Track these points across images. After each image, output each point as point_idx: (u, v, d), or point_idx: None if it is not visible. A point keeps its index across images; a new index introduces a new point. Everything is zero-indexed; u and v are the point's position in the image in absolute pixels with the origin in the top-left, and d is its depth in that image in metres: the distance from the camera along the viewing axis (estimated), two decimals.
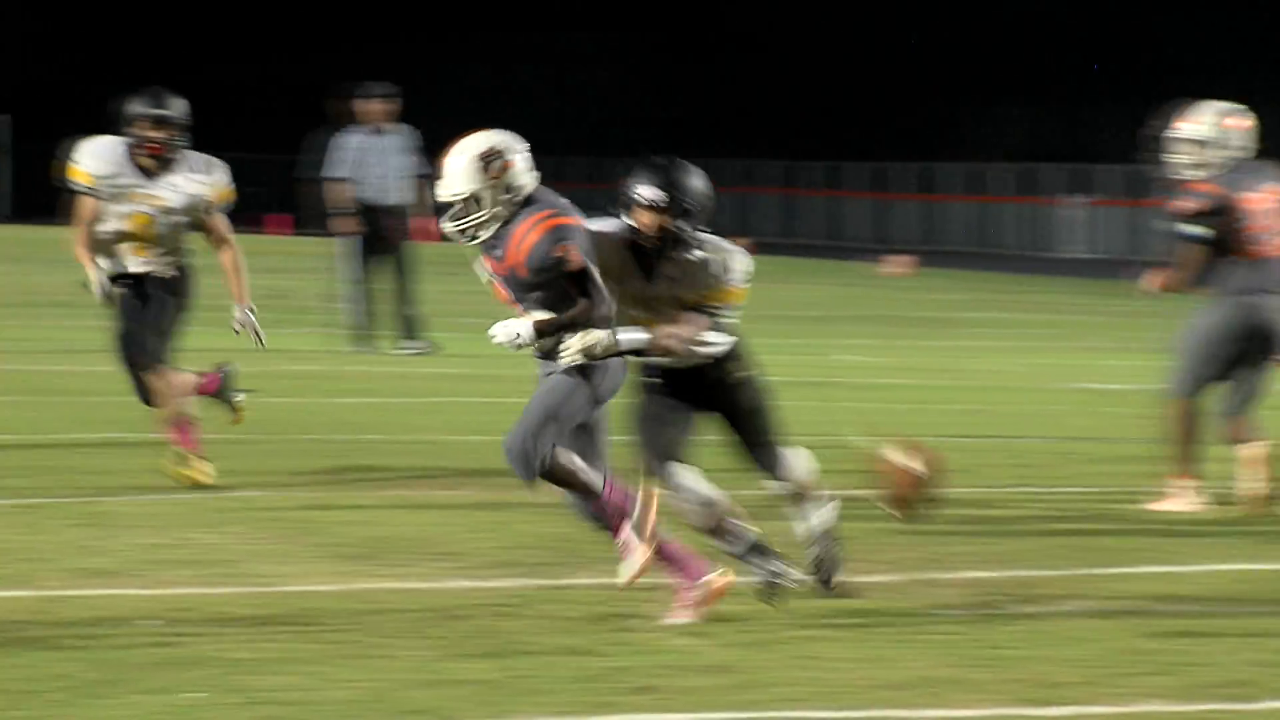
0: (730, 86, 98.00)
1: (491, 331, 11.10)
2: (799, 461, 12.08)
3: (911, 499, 12.82)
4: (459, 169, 11.13)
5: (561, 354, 10.93)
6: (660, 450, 11.54)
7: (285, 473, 17.07)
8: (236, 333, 16.53)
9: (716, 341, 11.57)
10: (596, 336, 10.94)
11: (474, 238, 11.19)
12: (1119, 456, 18.91)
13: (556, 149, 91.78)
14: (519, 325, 11.01)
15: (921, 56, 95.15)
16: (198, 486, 15.61)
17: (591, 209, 11.81)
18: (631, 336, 11.19)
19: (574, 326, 11.08)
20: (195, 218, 15.61)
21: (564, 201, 11.31)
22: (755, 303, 34.74)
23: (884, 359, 29.70)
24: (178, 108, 15.49)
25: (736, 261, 11.67)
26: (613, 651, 10.77)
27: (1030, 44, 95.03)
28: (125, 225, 15.23)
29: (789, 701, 9.79)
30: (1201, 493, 16.38)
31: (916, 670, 10.41)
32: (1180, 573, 13.70)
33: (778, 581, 11.58)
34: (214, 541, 13.79)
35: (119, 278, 15.52)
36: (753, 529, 11.66)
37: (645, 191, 11.29)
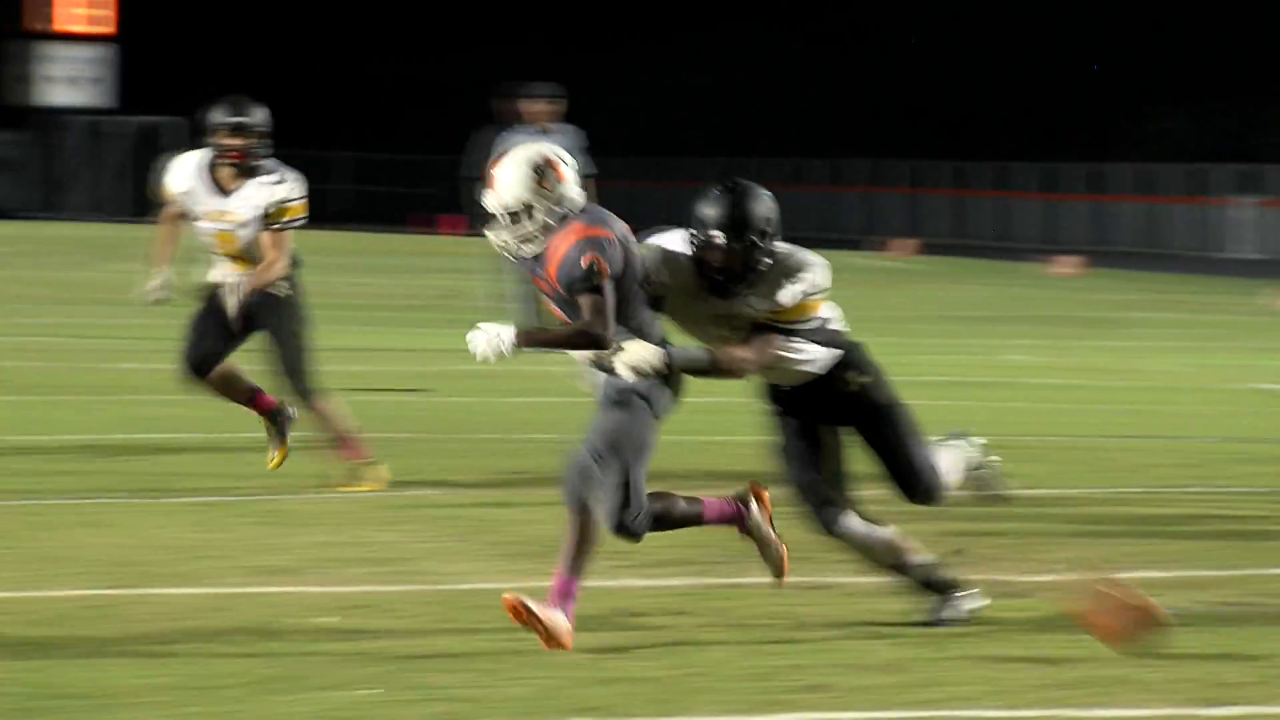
0: (900, 88, 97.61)
1: (469, 338, 10.90)
2: (945, 463, 11.69)
3: (1136, 630, 12.55)
4: (512, 179, 10.97)
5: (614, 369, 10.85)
6: (817, 498, 11.29)
7: (460, 471, 17.08)
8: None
9: (812, 355, 11.23)
10: (642, 353, 10.72)
11: (523, 251, 11.04)
12: None
13: (722, 150, 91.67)
14: (502, 331, 10.84)
15: (1091, 58, 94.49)
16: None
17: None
18: (687, 355, 10.98)
19: (566, 345, 11.09)
20: (274, 224, 15.45)
21: (607, 215, 11.16)
22: (924, 303, 34.85)
23: (1053, 359, 29.60)
24: (257, 115, 15.42)
25: (810, 275, 11.20)
26: (784, 650, 10.75)
27: (1200, 44, 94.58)
28: (213, 243, 15.28)
29: (960, 700, 9.75)
30: None
31: (1087, 670, 10.35)
32: None
33: (949, 617, 11.29)
34: (389, 539, 13.86)
35: (213, 287, 15.51)
36: (928, 558, 11.42)
37: (708, 231, 10.95)
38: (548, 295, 11.05)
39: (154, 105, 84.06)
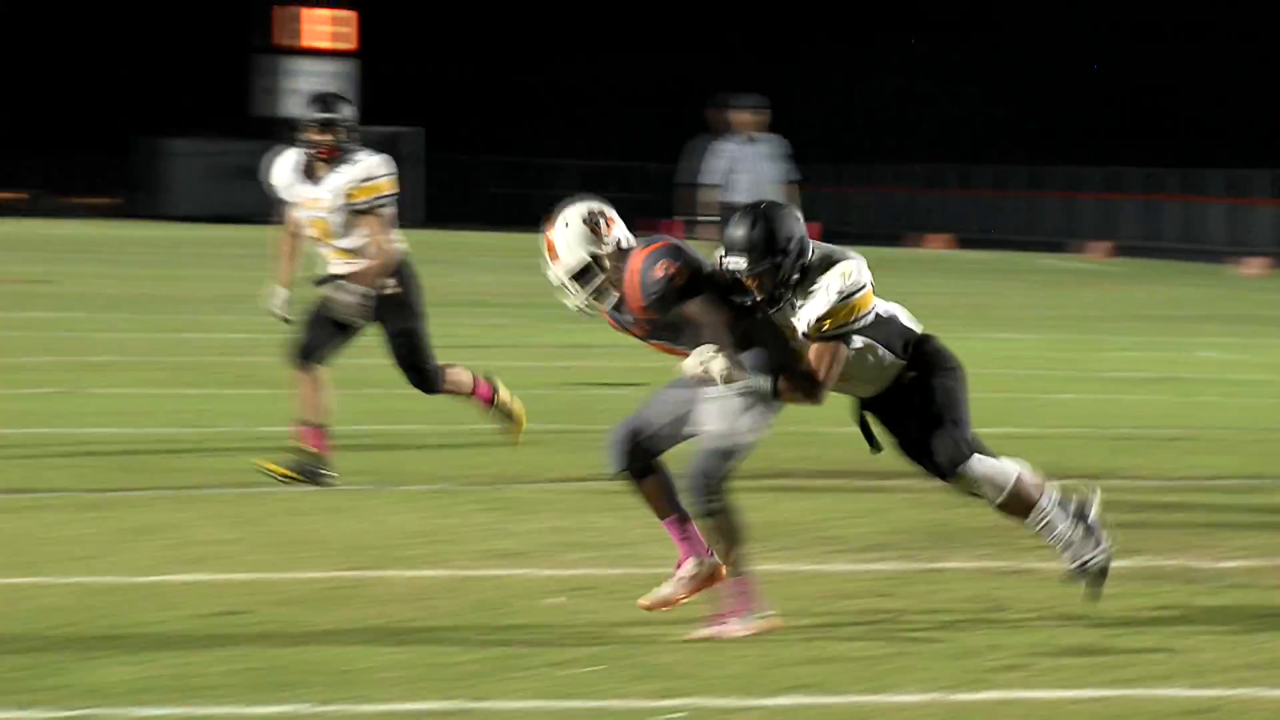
0: (1094, 97, 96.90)
1: (683, 366, 10.66)
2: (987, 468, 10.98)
3: None
4: (571, 239, 10.83)
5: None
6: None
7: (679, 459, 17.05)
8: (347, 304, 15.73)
9: (883, 358, 10.87)
10: (716, 360, 10.50)
11: (603, 304, 10.94)
12: None
13: (917, 157, 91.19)
14: (711, 361, 10.55)
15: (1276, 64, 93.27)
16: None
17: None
18: (753, 380, 10.62)
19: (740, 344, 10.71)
20: (367, 207, 15.45)
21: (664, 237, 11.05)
22: (1119, 304, 34.48)
23: (1242, 356, 29.31)
24: (343, 110, 15.53)
25: (843, 274, 10.78)
26: (984, 631, 10.79)
27: None
28: (311, 231, 15.38)
29: (1154, 680, 9.77)
30: None
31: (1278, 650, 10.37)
32: None
33: (1088, 564, 10.89)
34: (612, 525, 13.86)
35: (326, 280, 15.57)
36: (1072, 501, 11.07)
37: (733, 263, 10.62)
38: (642, 337, 11.09)
39: (392, 116, 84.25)
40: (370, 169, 15.35)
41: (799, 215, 10.77)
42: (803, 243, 10.63)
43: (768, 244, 10.49)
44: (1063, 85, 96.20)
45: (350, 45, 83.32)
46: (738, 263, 10.46)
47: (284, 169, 15.48)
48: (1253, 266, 57.73)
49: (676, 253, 10.63)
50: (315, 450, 15.35)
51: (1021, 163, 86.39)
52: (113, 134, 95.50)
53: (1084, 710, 9.15)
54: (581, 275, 10.76)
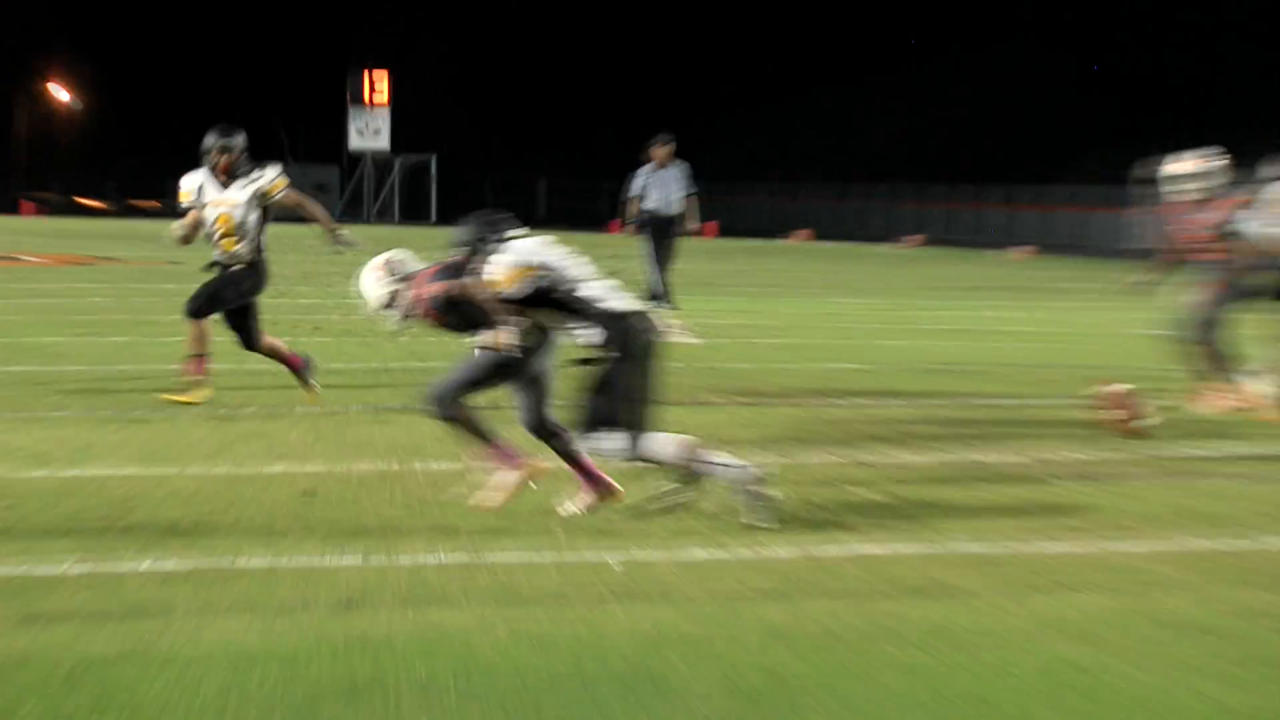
0: (937, 138, 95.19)
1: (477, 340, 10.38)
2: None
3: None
4: (372, 284, 10.77)
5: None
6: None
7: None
8: (340, 253, 16.23)
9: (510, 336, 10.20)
10: (498, 335, 10.24)
11: (411, 315, 10.69)
12: None
13: (798, 177, 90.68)
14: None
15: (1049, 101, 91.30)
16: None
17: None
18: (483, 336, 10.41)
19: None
20: (266, 204, 15.24)
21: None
22: (926, 278, 33.69)
23: (1012, 314, 29.24)
24: (238, 138, 15.22)
25: (513, 251, 10.34)
26: (833, 505, 10.74)
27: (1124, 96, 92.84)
28: (216, 224, 15.06)
29: (947, 538, 9.76)
30: None
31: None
32: None
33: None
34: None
35: (212, 264, 15.36)
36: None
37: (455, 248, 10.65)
38: (442, 327, 10.73)
39: (417, 146, 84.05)
40: (273, 173, 15.28)
41: (494, 221, 10.56)
42: (494, 231, 10.42)
43: (473, 236, 10.37)
44: (913, 127, 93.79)
45: (385, 100, 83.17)
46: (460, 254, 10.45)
47: (195, 178, 15.22)
48: (1020, 254, 58.34)
49: (441, 273, 10.49)
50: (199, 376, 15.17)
51: (874, 180, 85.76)
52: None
53: (903, 558, 9.14)
54: (387, 307, 10.68)
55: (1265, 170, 16.19)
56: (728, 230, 74.63)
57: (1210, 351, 15.93)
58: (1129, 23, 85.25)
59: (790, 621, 7.79)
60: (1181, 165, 16.27)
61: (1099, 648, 7.45)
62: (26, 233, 57.90)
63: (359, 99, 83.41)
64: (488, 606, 7.95)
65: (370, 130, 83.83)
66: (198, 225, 15.23)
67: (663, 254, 26.72)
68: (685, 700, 6.59)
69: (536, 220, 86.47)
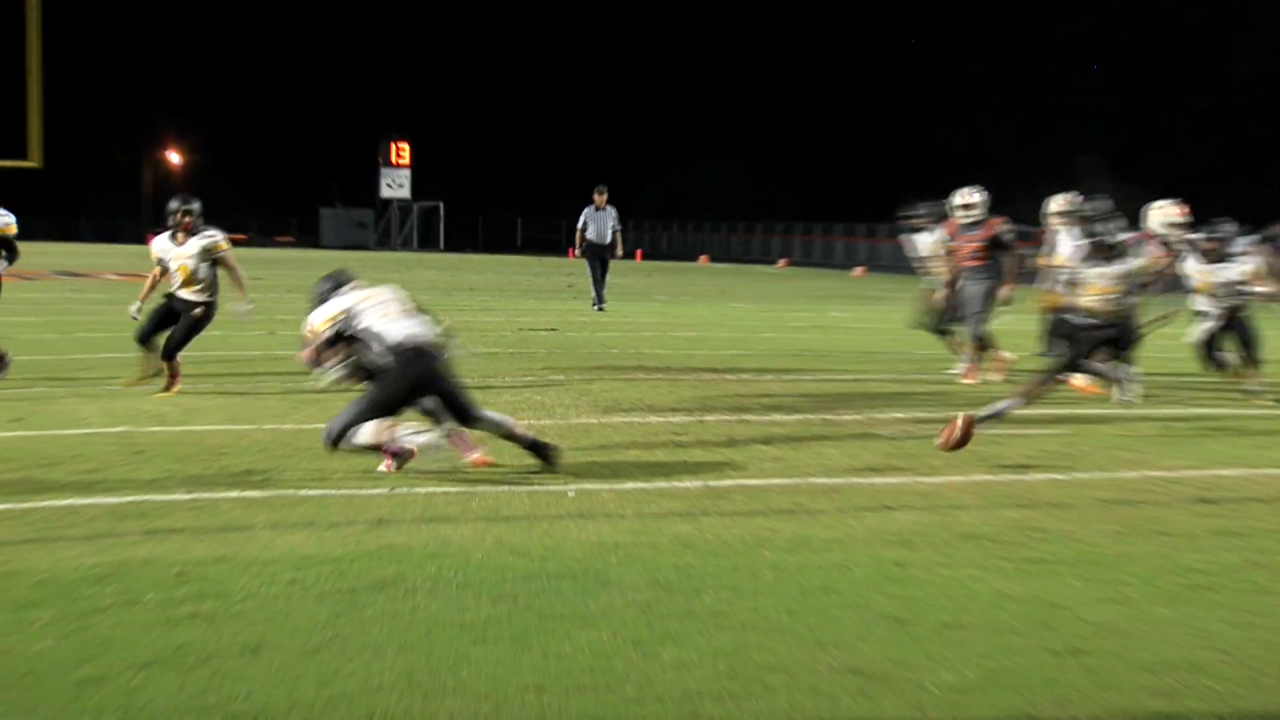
0: (801, 184, 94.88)
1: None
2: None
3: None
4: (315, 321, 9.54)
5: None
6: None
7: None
8: (239, 318, 14.68)
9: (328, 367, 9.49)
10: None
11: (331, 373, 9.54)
12: None
13: (705, 216, 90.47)
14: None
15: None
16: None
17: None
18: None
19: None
20: (210, 258, 14.13)
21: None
22: (791, 289, 33.23)
23: (853, 315, 29.29)
24: (194, 204, 14.29)
25: (328, 306, 9.58)
26: (727, 450, 10.71)
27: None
28: (179, 274, 14.03)
29: (810, 472, 9.77)
30: None
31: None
32: None
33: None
34: (549, 400, 13.80)
35: (171, 296, 14.19)
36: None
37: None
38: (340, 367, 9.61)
39: (429, 195, 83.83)
40: (217, 236, 14.27)
41: (333, 276, 9.83)
42: (324, 294, 9.66)
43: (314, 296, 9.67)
44: (781, 179, 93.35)
45: (407, 162, 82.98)
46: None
47: (161, 241, 14.39)
48: (858, 272, 58.30)
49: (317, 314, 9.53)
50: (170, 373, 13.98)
51: (755, 218, 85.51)
52: (296, 205, 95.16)
53: (775, 488, 9.15)
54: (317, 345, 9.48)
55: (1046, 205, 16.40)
56: (650, 255, 74.69)
57: (980, 336, 16.11)
58: (929, 106, 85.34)
59: (694, 533, 7.81)
60: (965, 196, 16.54)
61: (913, 550, 7.48)
62: (149, 257, 57.62)
63: (388, 161, 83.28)
64: (479, 524, 7.95)
65: (396, 184, 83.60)
66: (154, 285, 14.40)
67: (600, 271, 27.70)
68: (619, 589, 6.61)
69: (515, 248, 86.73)
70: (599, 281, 27.89)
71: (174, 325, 14.09)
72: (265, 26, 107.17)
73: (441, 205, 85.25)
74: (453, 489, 8.96)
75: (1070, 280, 12.35)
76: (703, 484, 9.28)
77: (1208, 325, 14.54)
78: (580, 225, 27.83)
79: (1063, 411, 13.53)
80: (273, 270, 45.46)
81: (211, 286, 14.27)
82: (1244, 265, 14.29)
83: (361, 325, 9.39)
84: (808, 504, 8.69)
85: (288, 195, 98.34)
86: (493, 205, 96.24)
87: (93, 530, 7.68)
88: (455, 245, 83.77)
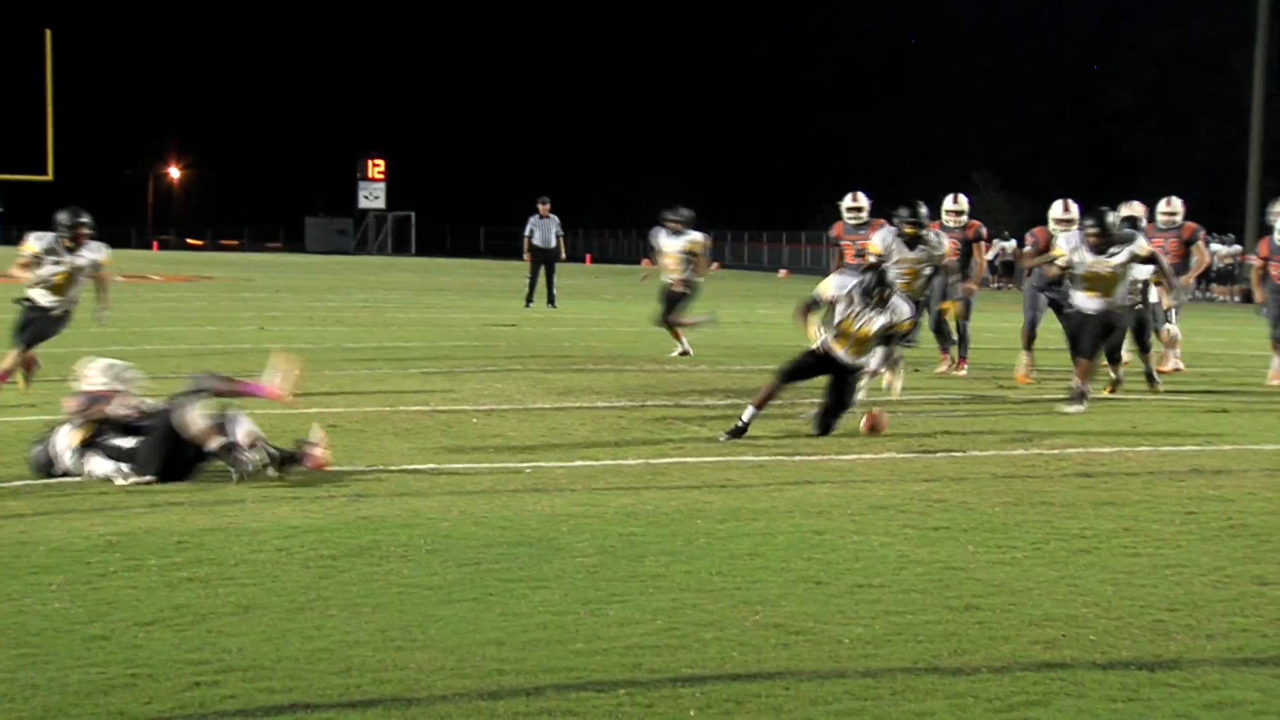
0: (723, 190, 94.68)
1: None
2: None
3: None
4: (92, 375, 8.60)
5: None
6: None
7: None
8: (99, 321, 13.81)
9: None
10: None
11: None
12: None
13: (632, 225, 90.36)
14: None
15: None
16: None
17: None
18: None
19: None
20: (92, 274, 13.06)
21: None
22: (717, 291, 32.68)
23: (767, 311, 29.33)
24: (87, 217, 13.03)
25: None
26: (664, 430, 10.73)
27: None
28: (55, 279, 12.82)
29: (741, 450, 9.80)
30: None
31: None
32: None
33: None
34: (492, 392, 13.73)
35: (23, 299, 13.12)
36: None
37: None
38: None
39: (404, 205, 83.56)
40: (106, 253, 13.16)
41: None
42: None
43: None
44: (716, 191, 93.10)
45: (382, 176, 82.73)
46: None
47: (45, 243, 12.85)
48: (783, 274, 58.49)
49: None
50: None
51: (695, 226, 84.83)
52: (284, 214, 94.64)
53: (709, 464, 9.17)
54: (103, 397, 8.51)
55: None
56: (599, 259, 74.60)
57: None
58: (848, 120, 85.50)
59: (637, 505, 7.80)
60: (854, 200, 16.80)
61: (830, 519, 7.51)
62: (154, 260, 57.86)
63: (365, 175, 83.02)
64: (446, 497, 7.93)
65: (372, 196, 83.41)
66: (31, 267, 12.95)
67: (547, 273, 27.77)
68: (570, 554, 6.60)
69: (478, 253, 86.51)
70: (548, 282, 28.00)
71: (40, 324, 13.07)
72: (257, 53, 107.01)
73: (414, 215, 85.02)
74: (423, 467, 8.93)
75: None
76: (644, 461, 9.28)
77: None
78: (527, 232, 28.04)
79: (960, 395, 13.60)
80: (263, 273, 45.26)
81: (76, 297, 13.27)
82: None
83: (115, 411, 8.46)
84: (737, 479, 8.70)
85: (276, 205, 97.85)
86: (459, 215, 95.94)
87: (101, 504, 7.63)
88: (426, 250, 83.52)
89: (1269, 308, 15.65)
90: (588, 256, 71.40)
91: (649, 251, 18.15)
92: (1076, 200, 15.45)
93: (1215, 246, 21.22)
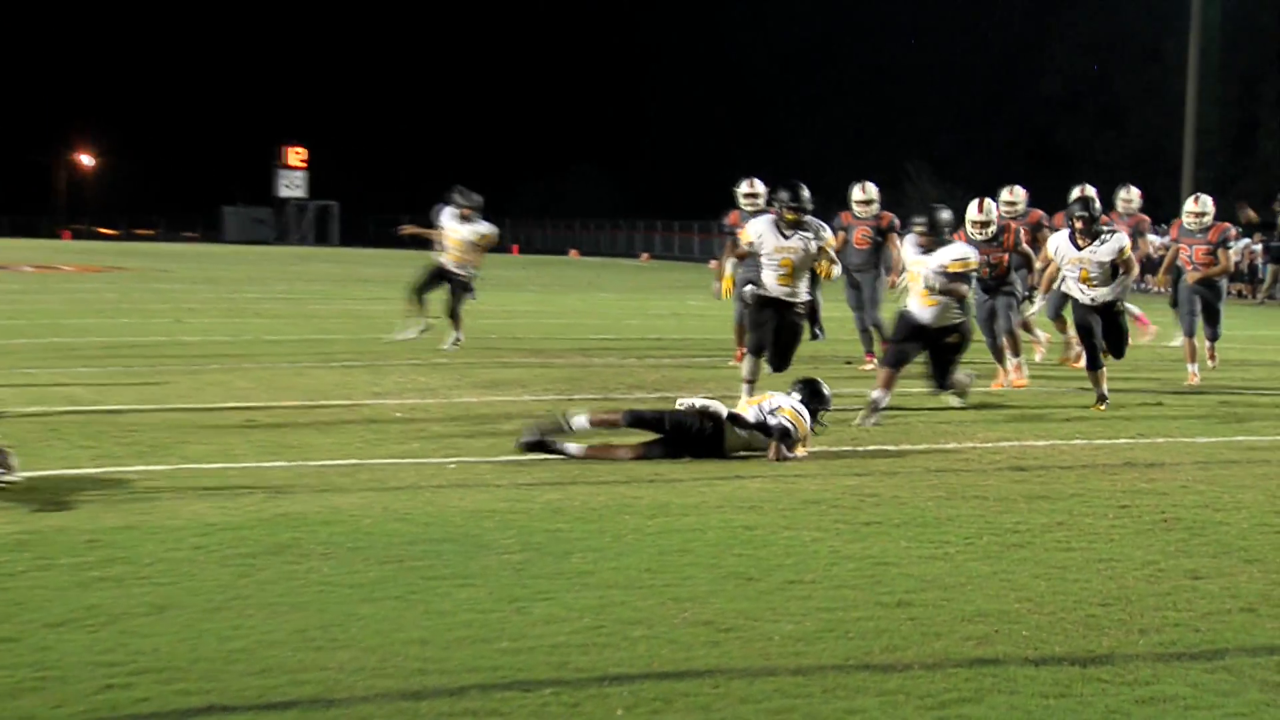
0: (652, 186, 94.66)
1: None
2: None
3: None
4: None
5: None
6: None
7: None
8: None
9: None
10: None
11: None
12: None
13: (563, 214, 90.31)
14: None
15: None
16: None
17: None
18: None
19: None
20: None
21: None
22: (650, 280, 33.25)
23: (696, 303, 29.49)
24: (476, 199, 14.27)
25: None
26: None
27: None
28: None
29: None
30: None
31: None
32: None
33: None
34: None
35: None
36: None
37: None
38: None
39: (327, 195, 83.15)
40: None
41: None
42: None
43: None
44: (637, 184, 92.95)
45: (304, 164, 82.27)
46: None
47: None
48: (714, 265, 58.19)
49: None
50: None
51: (618, 215, 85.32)
52: (201, 203, 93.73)
53: (642, 459, 9.18)
54: None
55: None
56: (526, 249, 74.53)
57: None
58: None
59: (564, 500, 7.79)
60: (749, 187, 16.61)
61: (761, 514, 7.53)
62: (65, 251, 57.27)
63: (284, 163, 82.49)
64: (368, 494, 7.89)
65: (292, 184, 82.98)
66: None
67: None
68: (495, 551, 6.58)
69: (403, 244, 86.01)
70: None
71: None
72: (171, 36, 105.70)
73: (337, 205, 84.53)
74: (344, 462, 8.88)
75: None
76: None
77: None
78: (433, 220, 27.70)
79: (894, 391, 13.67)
80: (180, 264, 44.89)
81: None
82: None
83: None
84: (666, 473, 8.71)
85: (193, 194, 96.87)
86: (381, 205, 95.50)
87: (9, 501, 7.52)
88: (349, 240, 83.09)
89: (1181, 310, 15.44)
90: (515, 247, 71.28)
91: (432, 225, 17.46)
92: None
93: (1151, 237, 21.41)
